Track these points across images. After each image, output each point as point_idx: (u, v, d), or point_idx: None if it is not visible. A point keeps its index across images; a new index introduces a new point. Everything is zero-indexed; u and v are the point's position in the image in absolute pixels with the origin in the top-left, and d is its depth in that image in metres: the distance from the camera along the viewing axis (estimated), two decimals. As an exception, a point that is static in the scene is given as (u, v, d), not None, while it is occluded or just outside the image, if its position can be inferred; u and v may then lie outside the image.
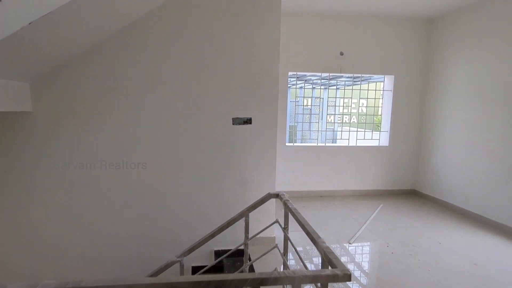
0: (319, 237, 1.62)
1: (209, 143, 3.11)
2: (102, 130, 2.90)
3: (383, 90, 5.26)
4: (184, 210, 3.16)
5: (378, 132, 5.47)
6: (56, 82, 2.74)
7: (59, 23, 2.07)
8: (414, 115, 5.21)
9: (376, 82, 5.47)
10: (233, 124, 3.09)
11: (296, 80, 5.23)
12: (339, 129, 7.71)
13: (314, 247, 2.14)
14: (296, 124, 5.84)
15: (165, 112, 2.99)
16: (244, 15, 3.02)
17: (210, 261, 3.23)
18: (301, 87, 5.58)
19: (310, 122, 5.33)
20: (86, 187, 2.95)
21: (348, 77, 5.27)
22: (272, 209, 3.26)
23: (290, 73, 4.86)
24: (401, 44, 5.01)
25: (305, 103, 6.63)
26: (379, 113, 5.42)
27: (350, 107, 5.42)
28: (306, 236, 1.66)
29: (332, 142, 7.30)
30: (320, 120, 7.11)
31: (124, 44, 2.83)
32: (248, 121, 3.09)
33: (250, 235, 2.53)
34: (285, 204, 2.22)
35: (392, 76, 5.11)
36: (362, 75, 5.12)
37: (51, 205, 2.93)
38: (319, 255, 1.46)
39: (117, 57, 2.84)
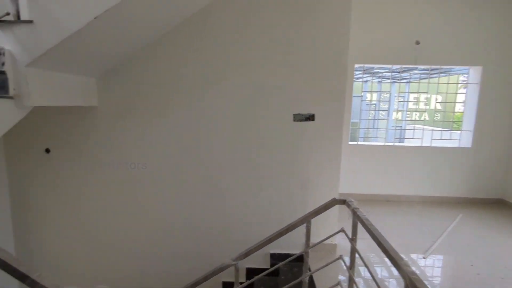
0: (402, 259, 1.34)
1: (268, 140, 2.94)
2: (161, 126, 2.91)
3: (467, 83, 4.55)
4: (240, 209, 3.04)
5: (458, 132, 4.78)
6: (119, 77, 2.80)
7: (123, 17, 2.06)
8: (505, 113, 4.42)
9: (457, 74, 4.77)
10: (294, 120, 2.87)
11: (363, 73, 4.79)
12: (408, 127, 6.98)
13: (381, 254, 1.83)
14: (359, 121, 5.40)
15: (224, 108, 2.89)
16: (309, 1, 2.76)
17: (265, 263, 3.08)
18: (365, 81, 5.12)
19: (375, 119, 4.86)
20: (143, 182, 2.99)
21: (423, 70, 4.67)
22: (335, 214, 2.98)
23: (356, 66, 4.44)
24: (491, 31, 4.26)
25: (369, 98, 6.12)
26: (458, 109, 4.71)
27: (424, 103, 4.80)
28: (371, 245, 1.40)
29: (400, 142, 6.65)
30: (387, 117, 6.52)
31: (186, 38, 2.79)
32: (310, 117, 2.84)
33: (310, 241, 2.32)
34: (354, 213, 1.95)
35: (479, 68, 4.38)
36: (441, 66, 4.48)
37: (105, 199, 3.04)
38: (395, 275, 1.18)
39: (178, 51, 2.80)
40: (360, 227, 1.88)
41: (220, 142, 2.94)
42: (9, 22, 1.85)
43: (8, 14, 1.88)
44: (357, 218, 1.92)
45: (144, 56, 2.79)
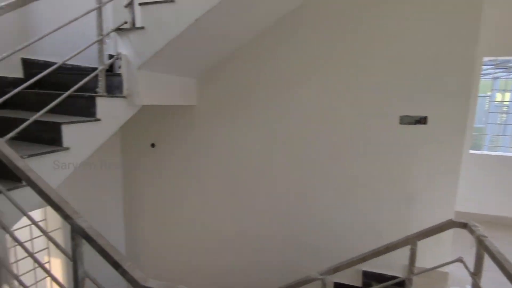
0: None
1: (366, 146, 2.61)
2: (252, 125, 2.88)
3: None
4: (331, 220, 2.79)
5: None
6: (216, 77, 2.89)
7: (220, 19, 2.08)
8: None
9: None
10: (400, 123, 2.48)
11: (494, 68, 3.91)
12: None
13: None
14: (485, 126, 4.45)
15: (317, 108, 2.69)
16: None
17: (356, 281, 2.77)
18: (497, 78, 4.18)
19: (506, 124, 3.93)
20: (233, 183, 3.02)
21: None
22: (449, 238, 2.47)
23: (485, 59, 3.64)
24: None
25: (499, 98, 4.99)
26: None
27: None
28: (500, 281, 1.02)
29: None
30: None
31: (280, 36, 2.69)
32: (422, 120, 2.40)
33: (415, 266, 1.95)
34: (480, 242, 1.53)
35: None
36: None
37: (201, 193, 3.15)
38: None
39: (273, 50, 2.73)
40: (485, 258, 1.48)
41: (312, 146, 2.75)
42: (126, 29, 2.08)
43: (125, 22, 2.11)
44: (483, 248, 1.50)
45: (240, 56, 2.81)
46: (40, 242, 2.74)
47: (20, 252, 2.20)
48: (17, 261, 2.28)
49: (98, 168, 3.03)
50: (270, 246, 3.01)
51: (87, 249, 1.12)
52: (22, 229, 2.29)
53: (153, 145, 3.14)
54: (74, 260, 1.14)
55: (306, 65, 2.67)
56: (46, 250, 2.82)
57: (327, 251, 2.79)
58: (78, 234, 1.10)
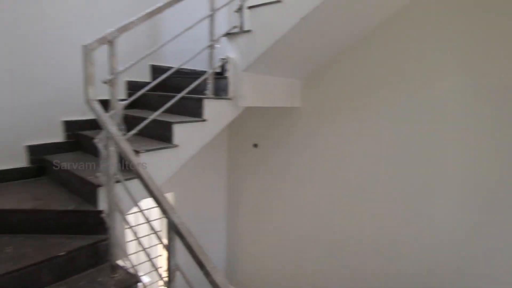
0: None
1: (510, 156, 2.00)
2: (363, 131, 2.60)
3: None
4: (466, 249, 2.24)
5: None
6: (323, 78, 2.73)
7: (328, 15, 1.94)
8: None
9: None
10: None
11: None
12: None
13: None
14: None
15: (443, 112, 2.22)
16: None
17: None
18: None
19: None
20: (336, 188, 2.80)
21: None
22: None
23: None
24: None
25: None
26: None
27: None
28: None
29: None
30: None
31: (400, 31, 2.33)
32: None
33: None
34: None
35: None
36: None
37: (299, 199, 3.04)
38: None
39: (385, 49, 2.38)
40: None
41: (440, 155, 2.27)
42: (235, 33, 2.16)
43: (235, 27, 2.19)
44: None
45: (345, 57, 2.58)
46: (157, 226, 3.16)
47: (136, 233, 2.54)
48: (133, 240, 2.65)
49: (205, 165, 3.30)
50: (374, 254, 2.66)
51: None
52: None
53: (255, 145, 3.22)
54: (168, 251, 1.22)
55: (424, 65, 2.23)
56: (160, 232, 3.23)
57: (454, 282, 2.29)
58: (172, 228, 1.17)
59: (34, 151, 2.07)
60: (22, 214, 1.58)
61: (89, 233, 1.60)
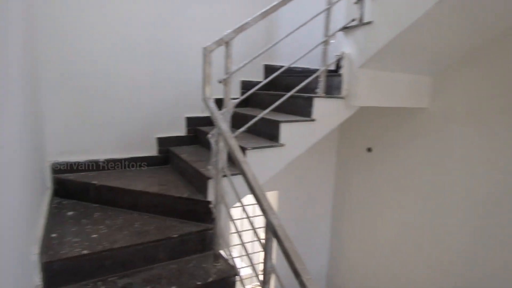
0: None
1: None
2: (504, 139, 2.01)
3: None
4: None
5: None
6: (456, 77, 2.23)
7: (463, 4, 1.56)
8: None
9: None
10: None
11: None
12: None
13: None
14: None
15: None
16: None
17: None
18: None
19: None
20: (466, 204, 2.25)
21: None
22: None
23: None
24: None
25: None
26: None
27: None
28: None
29: None
30: None
31: None
32: None
33: None
34: None
35: None
36: None
37: (419, 213, 2.57)
38: None
39: None
40: None
41: None
42: (352, 27, 1.98)
43: (353, 20, 2.01)
44: None
45: (484, 54, 2.04)
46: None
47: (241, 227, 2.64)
48: (237, 232, 2.75)
49: (312, 166, 3.18)
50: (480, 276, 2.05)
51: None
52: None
53: (369, 150, 2.91)
54: (265, 251, 1.19)
55: None
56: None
57: None
58: (269, 229, 1.13)
59: (162, 142, 2.38)
60: (148, 196, 1.82)
61: (198, 221, 1.72)
